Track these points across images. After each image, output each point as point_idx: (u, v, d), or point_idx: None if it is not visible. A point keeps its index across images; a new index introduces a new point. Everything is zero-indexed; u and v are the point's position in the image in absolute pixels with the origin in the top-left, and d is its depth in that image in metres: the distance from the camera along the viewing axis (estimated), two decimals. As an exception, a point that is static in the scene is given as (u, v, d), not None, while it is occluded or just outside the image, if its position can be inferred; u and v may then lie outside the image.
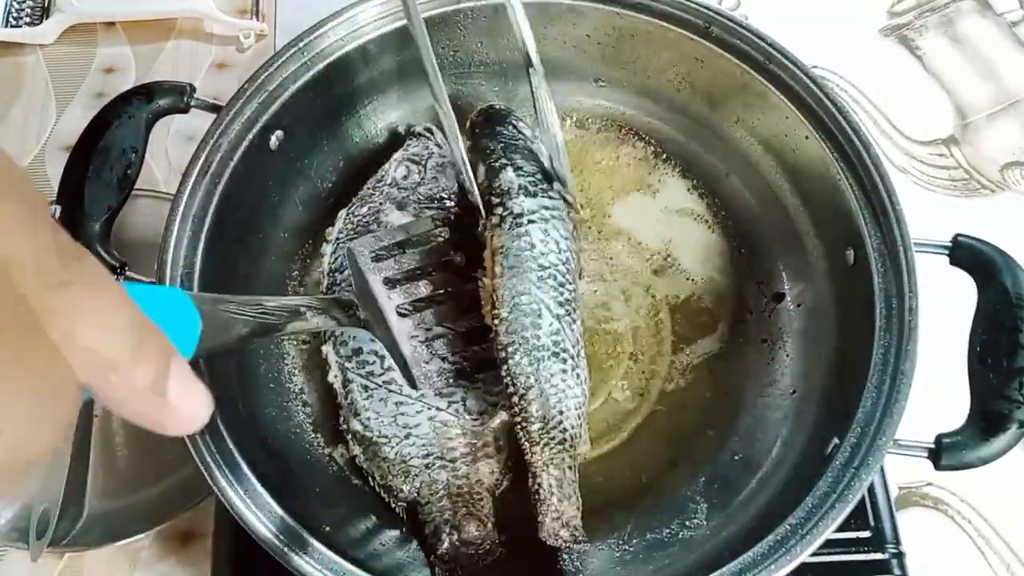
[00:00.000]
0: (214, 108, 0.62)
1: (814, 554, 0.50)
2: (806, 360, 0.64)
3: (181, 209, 0.58)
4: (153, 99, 0.62)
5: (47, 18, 0.91)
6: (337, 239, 0.66)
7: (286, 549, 0.50)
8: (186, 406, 0.28)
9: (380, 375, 0.60)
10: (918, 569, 0.64)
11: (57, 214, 0.59)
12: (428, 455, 0.58)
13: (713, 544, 0.57)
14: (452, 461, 0.57)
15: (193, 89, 0.63)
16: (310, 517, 0.54)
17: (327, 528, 0.56)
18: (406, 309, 0.55)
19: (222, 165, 0.61)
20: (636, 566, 0.58)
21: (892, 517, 0.66)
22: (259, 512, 0.51)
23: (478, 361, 0.57)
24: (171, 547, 0.68)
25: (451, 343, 0.56)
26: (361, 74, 0.69)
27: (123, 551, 0.68)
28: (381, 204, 0.66)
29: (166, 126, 0.85)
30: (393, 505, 0.59)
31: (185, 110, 0.63)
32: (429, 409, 0.59)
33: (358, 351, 0.61)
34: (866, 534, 0.65)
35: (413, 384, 0.55)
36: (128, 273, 0.59)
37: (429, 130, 0.70)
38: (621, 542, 0.60)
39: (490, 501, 0.58)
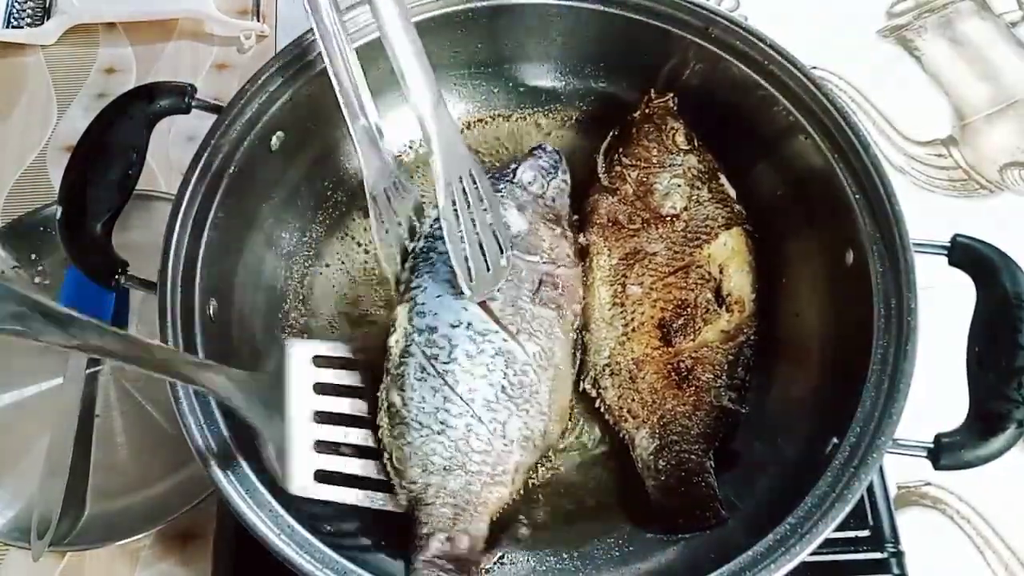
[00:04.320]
0: (215, 108, 0.63)
1: (814, 553, 0.50)
2: (805, 360, 0.64)
3: (182, 209, 0.58)
4: (154, 100, 0.62)
5: (48, 19, 0.91)
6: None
7: (286, 548, 0.50)
8: None
9: (443, 363, 0.58)
10: (917, 568, 0.64)
11: (58, 214, 0.59)
12: (451, 459, 0.57)
13: (713, 543, 0.57)
14: (468, 474, 0.57)
15: (194, 90, 0.63)
16: (310, 517, 0.55)
17: (327, 528, 0.56)
18: (323, 418, 0.56)
19: (223, 165, 0.61)
20: (635, 565, 0.58)
21: (891, 516, 0.66)
22: (259, 512, 0.51)
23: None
24: (171, 547, 0.68)
25: (358, 466, 0.58)
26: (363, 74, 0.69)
27: (123, 551, 0.68)
28: (503, 198, 0.66)
29: (167, 126, 0.85)
30: (397, 490, 0.58)
31: (186, 110, 0.63)
32: (472, 417, 0.58)
33: (433, 329, 0.59)
34: (865, 533, 0.65)
35: (282, 482, 0.54)
36: (129, 273, 0.59)
37: (559, 152, 0.70)
38: (621, 541, 0.60)
39: (487, 525, 0.58)
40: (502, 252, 0.60)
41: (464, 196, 0.58)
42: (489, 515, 0.58)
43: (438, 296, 0.61)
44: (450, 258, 0.58)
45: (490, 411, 0.58)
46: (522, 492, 0.61)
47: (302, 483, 0.54)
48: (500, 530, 0.59)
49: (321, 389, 0.57)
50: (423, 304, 0.61)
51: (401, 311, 0.62)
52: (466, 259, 0.58)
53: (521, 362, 0.59)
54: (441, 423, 0.57)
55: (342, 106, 0.62)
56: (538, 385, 0.59)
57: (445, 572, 0.54)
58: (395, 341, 0.61)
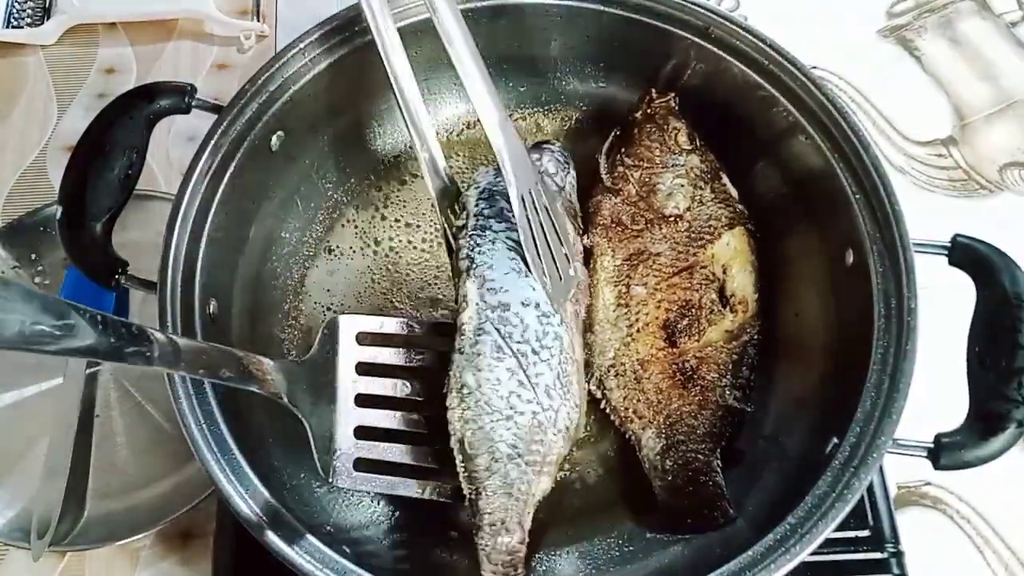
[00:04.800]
0: (215, 108, 0.63)
1: (814, 553, 0.50)
2: (805, 360, 0.64)
3: (182, 209, 0.58)
4: (154, 99, 0.62)
5: (48, 19, 0.91)
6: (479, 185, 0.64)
7: (287, 548, 0.50)
8: None
9: (518, 342, 0.56)
10: (917, 568, 0.64)
11: (58, 214, 0.59)
12: (515, 447, 0.55)
13: (713, 543, 0.57)
14: (526, 464, 0.55)
15: (194, 90, 0.63)
16: (310, 516, 0.55)
17: (327, 528, 0.56)
18: (370, 401, 0.54)
19: (223, 165, 0.61)
20: (636, 565, 0.58)
21: (891, 516, 0.66)
22: (260, 511, 0.51)
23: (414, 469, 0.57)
24: (171, 547, 0.68)
25: (400, 452, 0.56)
26: (363, 74, 0.69)
27: (124, 551, 0.68)
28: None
29: (167, 126, 0.85)
30: (461, 477, 0.56)
31: (186, 110, 0.63)
32: (537, 404, 0.56)
33: (506, 306, 0.57)
34: (865, 533, 0.65)
35: (325, 473, 0.53)
36: (129, 273, 0.59)
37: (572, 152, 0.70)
38: (622, 541, 0.60)
39: (531, 518, 0.56)
40: (569, 262, 0.60)
41: (535, 208, 0.58)
42: (535, 508, 0.56)
43: (506, 273, 0.58)
44: (526, 259, 0.57)
45: (549, 398, 0.56)
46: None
47: (349, 475, 0.54)
48: (542, 529, 0.59)
49: (365, 370, 0.55)
50: (493, 280, 0.58)
51: (471, 286, 0.58)
52: (543, 270, 0.58)
53: (568, 349, 0.58)
54: (511, 408, 0.55)
55: (413, 136, 0.62)
56: (576, 376, 0.59)
57: (504, 567, 0.54)
58: (468, 317, 0.57)
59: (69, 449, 0.66)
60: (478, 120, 0.75)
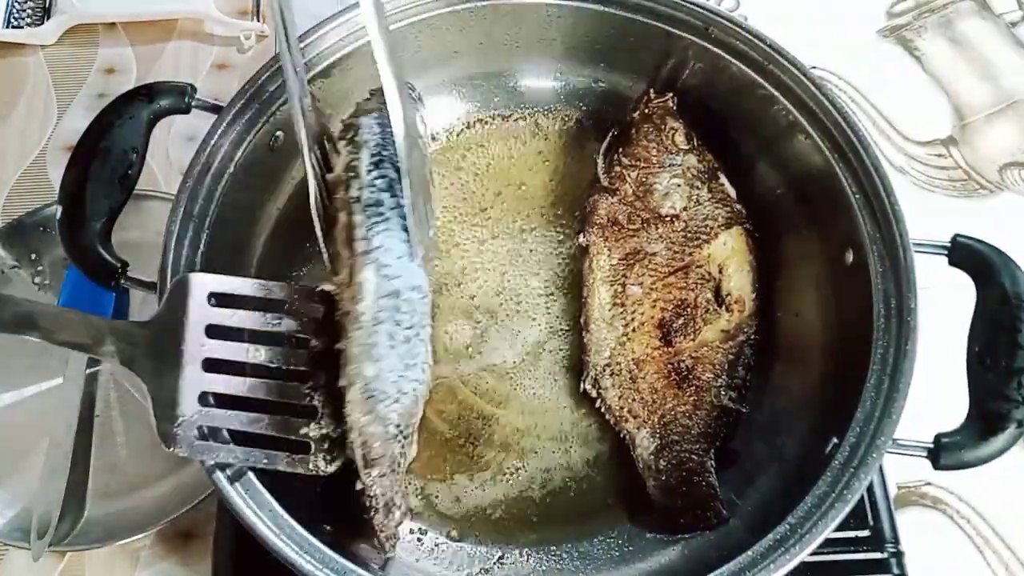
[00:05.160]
0: (215, 108, 0.63)
1: (813, 553, 0.50)
2: (805, 360, 0.64)
3: (182, 209, 0.58)
4: (154, 99, 0.62)
5: (48, 19, 0.91)
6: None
7: (286, 548, 0.50)
8: None
9: (407, 329, 0.54)
10: (917, 568, 0.64)
11: (58, 214, 0.59)
12: (399, 426, 0.54)
13: (713, 543, 0.57)
14: (405, 438, 0.54)
15: (194, 90, 0.63)
16: (310, 517, 0.55)
17: (327, 528, 0.56)
18: (218, 367, 0.51)
19: (223, 165, 0.61)
20: (635, 565, 0.58)
21: (891, 516, 0.66)
22: (259, 512, 0.51)
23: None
24: (171, 547, 0.68)
25: (250, 420, 0.52)
26: (362, 74, 0.69)
27: (123, 551, 0.68)
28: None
29: (167, 126, 0.85)
30: (359, 457, 0.53)
31: (186, 111, 0.63)
32: (417, 381, 0.55)
33: (397, 294, 0.54)
34: (865, 533, 0.65)
35: (165, 441, 0.50)
36: (129, 273, 0.59)
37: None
38: (621, 541, 0.60)
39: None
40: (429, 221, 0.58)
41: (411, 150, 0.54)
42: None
43: (399, 257, 0.55)
44: (404, 217, 0.54)
45: (423, 372, 0.55)
46: (519, 493, 0.61)
47: (191, 444, 0.50)
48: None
49: (215, 334, 0.52)
50: (389, 267, 0.55)
51: (369, 274, 0.54)
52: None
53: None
54: (399, 391, 0.54)
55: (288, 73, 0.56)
56: (430, 340, 0.58)
57: (396, 537, 0.56)
58: (365, 307, 0.54)
59: (69, 449, 0.66)
60: (478, 120, 0.77)
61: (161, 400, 0.50)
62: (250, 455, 0.52)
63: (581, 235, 0.67)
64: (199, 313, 0.51)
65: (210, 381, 0.51)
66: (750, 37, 0.65)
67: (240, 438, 0.52)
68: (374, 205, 0.56)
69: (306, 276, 0.69)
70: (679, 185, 0.67)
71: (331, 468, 0.53)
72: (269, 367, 0.53)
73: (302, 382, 0.53)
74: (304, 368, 0.53)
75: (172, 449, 0.50)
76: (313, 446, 0.52)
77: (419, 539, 0.61)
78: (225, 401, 0.52)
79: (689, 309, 0.64)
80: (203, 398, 0.51)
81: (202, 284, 0.52)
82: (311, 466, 0.52)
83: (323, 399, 0.53)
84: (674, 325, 0.63)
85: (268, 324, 0.53)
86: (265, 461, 0.52)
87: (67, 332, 0.47)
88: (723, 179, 0.69)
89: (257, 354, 0.53)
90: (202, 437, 0.51)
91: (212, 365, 0.51)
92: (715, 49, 0.67)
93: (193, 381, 0.51)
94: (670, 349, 0.63)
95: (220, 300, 0.52)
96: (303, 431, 0.52)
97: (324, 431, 0.53)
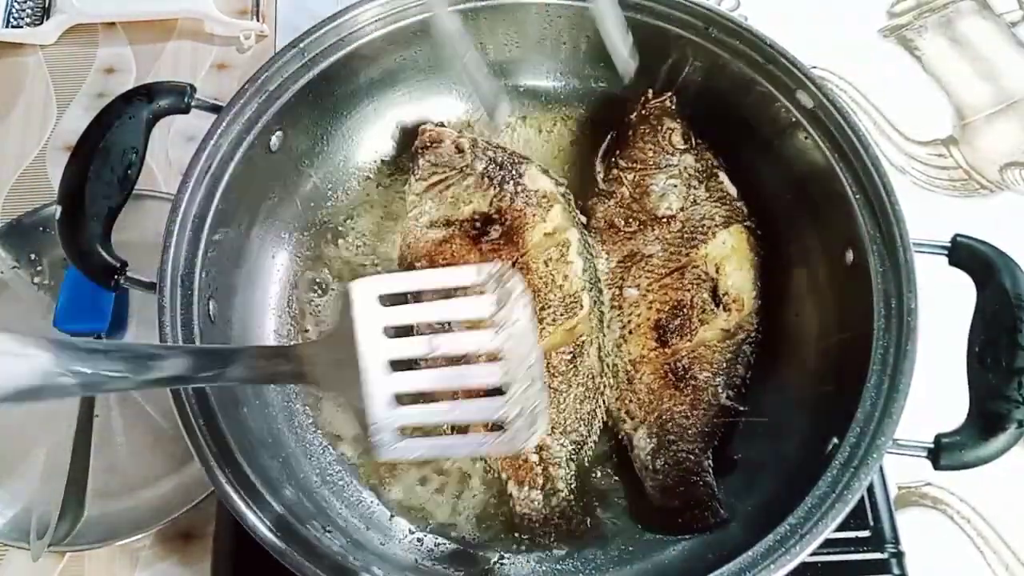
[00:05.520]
0: (214, 108, 0.62)
1: (814, 553, 0.50)
2: (805, 361, 0.64)
3: (182, 209, 0.58)
4: (154, 99, 0.62)
5: (48, 19, 0.91)
6: None
7: (286, 548, 0.50)
8: None
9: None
10: (917, 569, 0.65)
11: (57, 214, 0.59)
12: None
13: (713, 544, 0.57)
14: None
15: (194, 89, 0.63)
16: (310, 516, 0.55)
17: (327, 528, 0.56)
18: (403, 364, 0.49)
19: (222, 165, 0.61)
20: (636, 566, 0.58)
21: (891, 517, 0.66)
22: (259, 512, 0.51)
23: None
24: (171, 547, 0.68)
25: (443, 411, 0.51)
26: (362, 74, 0.69)
27: (123, 551, 0.68)
28: None
29: (166, 126, 0.85)
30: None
31: (186, 110, 0.63)
32: None
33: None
34: (865, 534, 0.65)
35: (374, 448, 0.49)
36: (128, 273, 0.59)
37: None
38: (621, 542, 0.60)
39: None
40: None
41: None
42: None
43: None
44: None
45: None
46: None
47: (391, 446, 0.49)
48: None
49: (393, 333, 0.50)
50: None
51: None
52: None
53: None
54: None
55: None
56: None
57: None
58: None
59: (69, 449, 0.66)
60: (478, 119, 0.77)
61: (358, 409, 0.49)
62: (453, 445, 0.52)
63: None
64: (371, 318, 0.49)
65: (397, 381, 0.50)
66: (750, 37, 0.65)
67: (437, 430, 0.52)
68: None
69: (307, 276, 0.69)
70: (676, 186, 0.67)
71: (532, 441, 0.51)
72: (449, 355, 0.52)
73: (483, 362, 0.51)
74: (481, 349, 0.51)
75: (377, 456, 0.49)
76: (509, 422, 0.50)
77: (419, 540, 0.61)
78: (416, 398, 0.51)
79: (685, 310, 0.64)
80: (395, 399, 0.50)
81: (366, 289, 0.50)
82: (517, 444, 0.50)
83: (507, 375, 0.50)
84: (670, 326, 0.63)
85: (438, 313, 0.52)
86: (469, 448, 0.51)
87: (244, 369, 0.46)
88: (723, 177, 0.68)
89: (435, 344, 0.51)
90: (401, 437, 0.50)
91: (396, 365, 0.50)
92: (715, 49, 0.67)
93: (381, 385, 0.49)
94: (666, 350, 0.63)
95: (389, 300, 0.50)
96: (501, 412, 0.50)
97: (518, 405, 0.50)
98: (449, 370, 0.52)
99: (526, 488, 0.60)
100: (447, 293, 0.52)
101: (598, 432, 0.63)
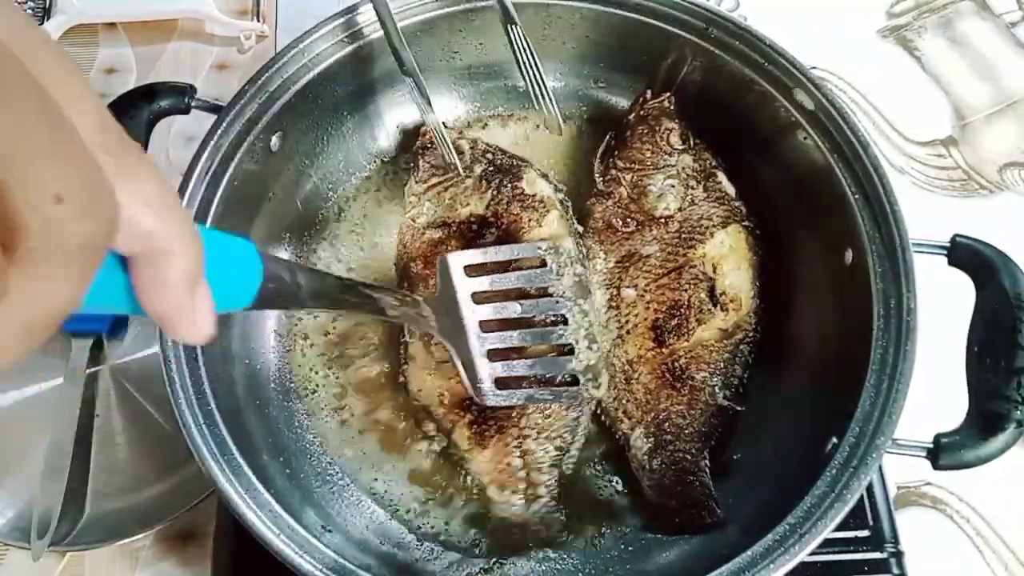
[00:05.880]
0: (215, 109, 0.63)
1: (813, 553, 0.50)
2: (805, 361, 0.64)
3: (182, 209, 0.58)
4: (154, 100, 0.62)
5: (48, 19, 0.91)
6: None
7: (286, 548, 0.50)
8: (202, 315, 0.30)
9: None
10: (917, 568, 0.65)
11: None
12: None
13: (713, 543, 0.57)
14: None
15: (194, 90, 0.63)
16: (309, 516, 0.55)
17: (327, 528, 0.56)
18: (490, 327, 0.57)
19: (223, 166, 0.61)
20: (635, 565, 0.58)
21: (891, 516, 0.66)
22: (259, 512, 0.51)
23: (542, 381, 0.59)
24: (171, 547, 0.68)
25: (527, 367, 0.58)
26: (362, 74, 0.69)
27: (123, 551, 0.68)
28: None
29: (167, 127, 0.85)
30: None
31: (186, 111, 0.63)
32: None
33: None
34: (865, 533, 0.65)
35: (478, 396, 0.57)
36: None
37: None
38: (621, 542, 0.60)
39: None
40: None
41: None
42: None
43: None
44: None
45: None
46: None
47: (495, 394, 0.57)
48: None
49: (480, 300, 0.58)
50: None
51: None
52: None
53: None
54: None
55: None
56: None
57: None
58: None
59: (69, 449, 0.66)
60: (477, 120, 0.77)
61: (466, 364, 0.57)
62: (538, 395, 0.58)
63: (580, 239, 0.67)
64: (463, 285, 0.58)
65: (489, 340, 0.57)
66: (750, 37, 0.65)
67: (520, 383, 0.59)
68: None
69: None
70: (673, 186, 0.67)
71: (600, 392, 0.61)
72: (525, 318, 0.60)
73: (554, 325, 0.61)
74: (554, 315, 0.60)
75: (483, 401, 0.57)
76: (580, 378, 0.60)
77: (418, 540, 0.61)
78: (503, 354, 0.58)
79: (683, 310, 0.64)
80: (489, 354, 0.57)
81: (457, 260, 0.58)
82: (586, 394, 0.60)
83: (576, 336, 0.60)
84: (667, 326, 0.63)
85: (517, 281, 0.60)
86: (551, 398, 0.59)
87: (389, 306, 0.51)
88: (721, 177, 0.68)
89: (516, 309, 0.59)
90: (499, 388, 0.57)
91: (485, 326, 0.57)
92: (715, 49, 0.67)
93: (479, 342, 0.57)
94: (664, 350, 0.63)
95: (472, 270, 0.58)
96: (570, 366, 0.60)
97: (585, 363, 0.60)
98: (527, 331, 0.59)
99: (507, 492, 0.60)
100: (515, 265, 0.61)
101: (582, 440, 0.63)
